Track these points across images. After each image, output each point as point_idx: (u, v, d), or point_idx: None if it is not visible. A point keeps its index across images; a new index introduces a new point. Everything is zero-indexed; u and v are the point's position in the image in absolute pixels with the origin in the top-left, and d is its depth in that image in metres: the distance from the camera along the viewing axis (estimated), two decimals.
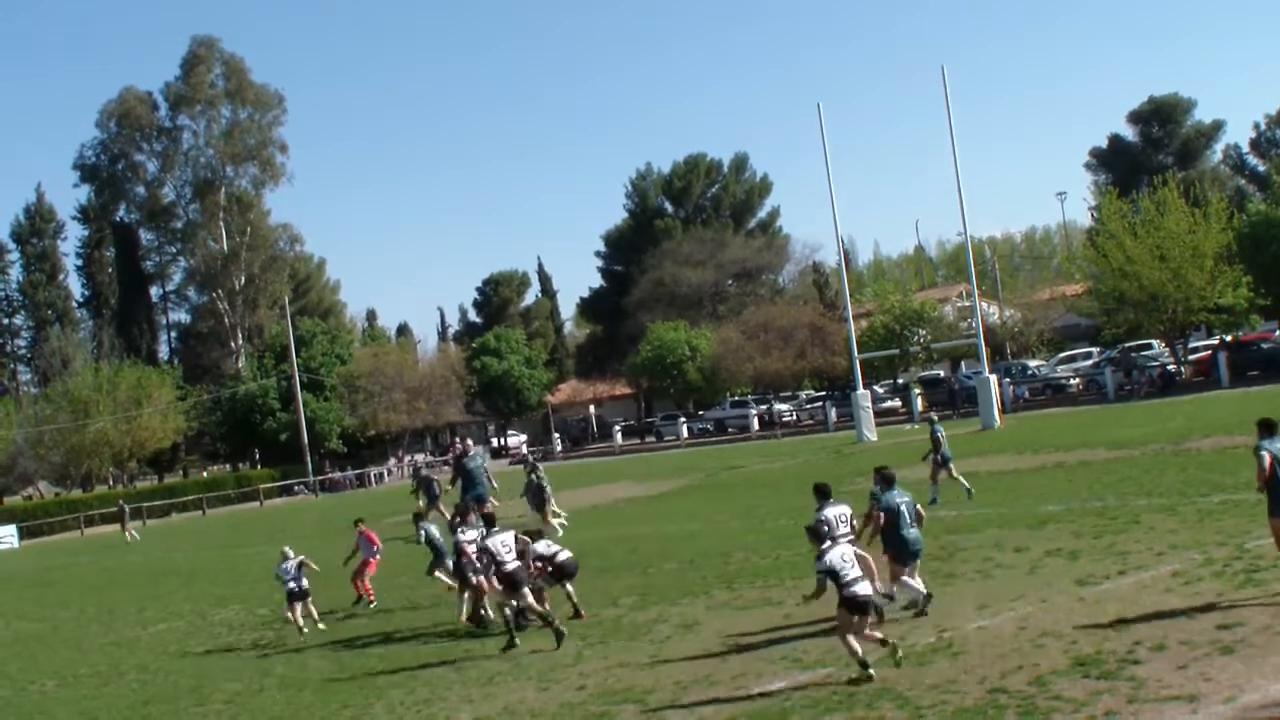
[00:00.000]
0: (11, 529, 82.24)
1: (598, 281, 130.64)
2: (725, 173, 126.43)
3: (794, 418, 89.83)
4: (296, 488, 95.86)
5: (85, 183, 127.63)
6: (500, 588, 20.66)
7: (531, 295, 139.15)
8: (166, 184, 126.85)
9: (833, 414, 79.88)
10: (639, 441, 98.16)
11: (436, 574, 26.09)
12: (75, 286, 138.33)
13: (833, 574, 15.30)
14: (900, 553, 18.56)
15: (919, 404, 73.45)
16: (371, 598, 27.51)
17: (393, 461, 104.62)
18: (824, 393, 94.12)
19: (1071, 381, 77.23)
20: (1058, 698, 13.23)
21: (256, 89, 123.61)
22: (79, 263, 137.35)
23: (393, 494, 70.00)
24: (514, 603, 20.51)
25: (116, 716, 19.95)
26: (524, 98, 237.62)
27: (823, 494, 18.77)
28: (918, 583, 18.57)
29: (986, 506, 29.44)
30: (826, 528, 16.73)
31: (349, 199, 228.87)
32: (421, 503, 39.74)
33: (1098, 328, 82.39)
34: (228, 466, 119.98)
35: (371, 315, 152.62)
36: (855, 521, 18.67)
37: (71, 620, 33.40)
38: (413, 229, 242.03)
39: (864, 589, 15.29)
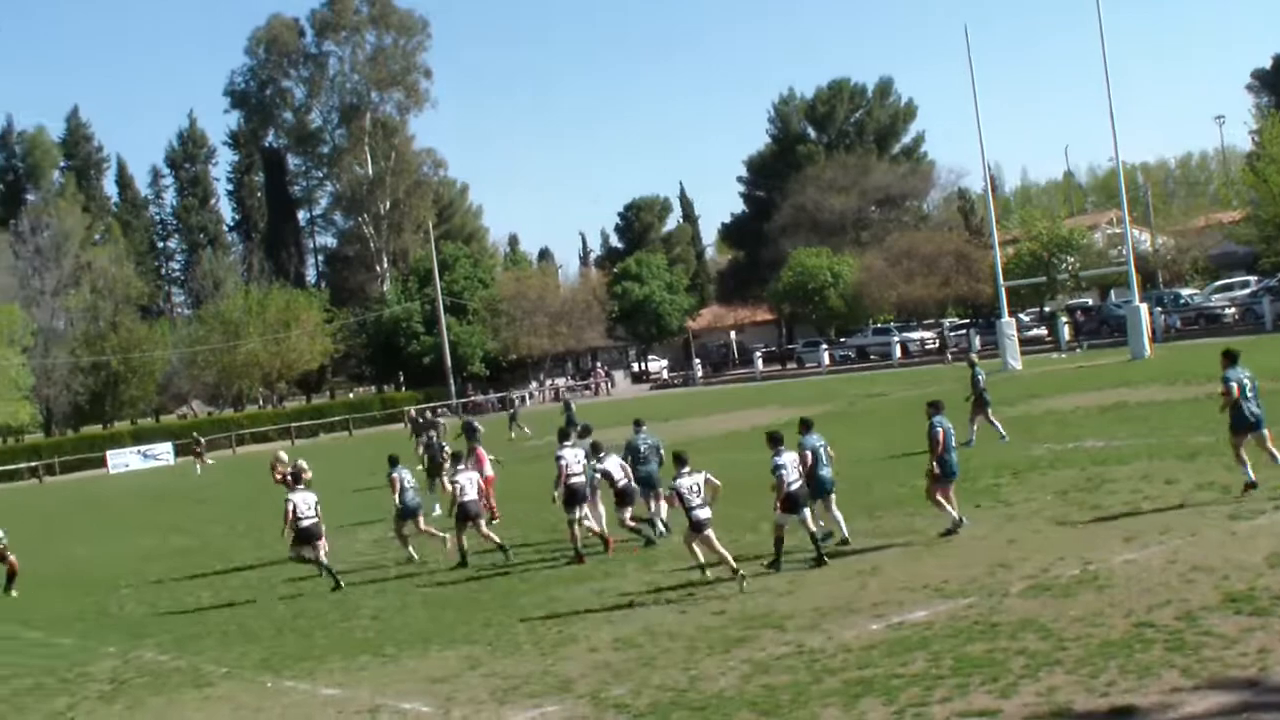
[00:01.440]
0: (167, 446, 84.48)
1: (739, 207, 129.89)
2: (869, 97, 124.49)
3: (935, 345, 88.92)
4: (439, 410, 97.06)
5: (235, 109, 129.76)
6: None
7: (673, 220, 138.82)
8: (313, 110, 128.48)
9: (976, 342, 78.79)
10: (780, 368, 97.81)
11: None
12: (226, 211, 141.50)
13: (681, 498, 18.76)
14: (817, 490, 20.62)
15: (1066, 333, 72.22)
16: (496, 514, 28.14)
17: (534, 385, 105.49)
18: (967, 320, 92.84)
19: (1227, 311, 75.16)
20: (1208, 633, 12.96)
21: (401, 14, 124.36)
22: (229, 187, 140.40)
23: (533, 417, 70.56)
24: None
25: (268, 628, 20.48)
26: (666, 21, 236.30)
27: (775, 441, 19.88)
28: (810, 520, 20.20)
29: (1135, 438, 28.88)
30: (783, 472, 19.19)
31: (492, 124, 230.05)
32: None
33: (1256, 255, 80.00)
34: (373, 388, 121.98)
35: (514, 240, 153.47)
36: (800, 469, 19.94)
37: (222, 536, 34.28)
38: (555, 154, 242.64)
39: (703, 514, 18.70)
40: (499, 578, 22.19)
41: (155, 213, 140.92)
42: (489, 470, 29.10)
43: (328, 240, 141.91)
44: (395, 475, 24.81)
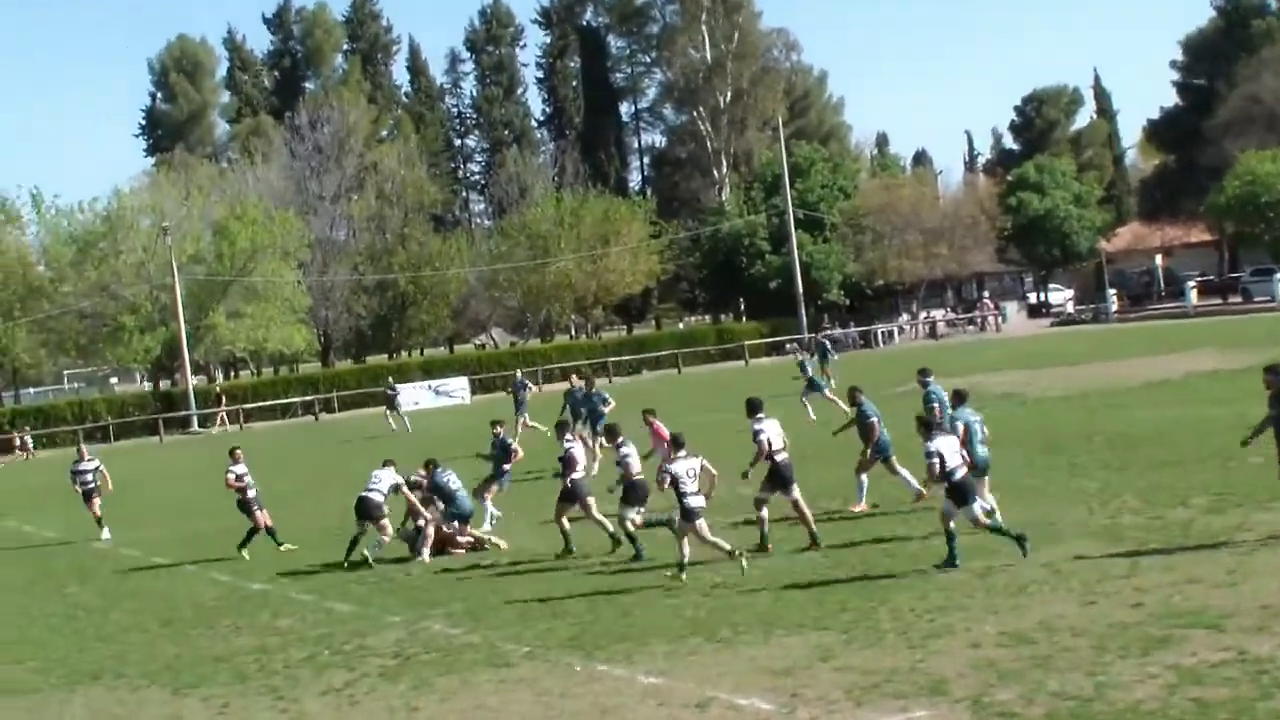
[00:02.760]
0: (463, 381, 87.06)
1: (1170, 99, 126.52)
2: None
3: None
4: (788, 345, 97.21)
5: None
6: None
7: (1084, 116, 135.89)
8: None
9: None
10: (1220, 302, 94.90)
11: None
12: (535, 102, 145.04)
13: (675, 482, 21.06)
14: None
15: None
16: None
17: (905, 317, 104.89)
18: None
19: None
20: None
21: None
22: (540, 75, 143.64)
23: (905, 356, 70.07)
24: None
25: (578, 600, 20.92)
26: None
27: (927, 426, 20.86)
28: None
29: None
30: (939, 459, 19.88)
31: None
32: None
33: None
34: (707, 318, 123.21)
35: (882, 140, 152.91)
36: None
37: (528, 486, 35.12)
38: (934, 36, 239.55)
39: (696, 502, 21.13)
40: (856, 549, 22.18)
41: (452, 105, 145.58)
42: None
43: (655, 139, 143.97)
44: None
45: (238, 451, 30.44)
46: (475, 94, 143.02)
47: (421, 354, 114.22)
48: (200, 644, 21.07)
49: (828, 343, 61.80)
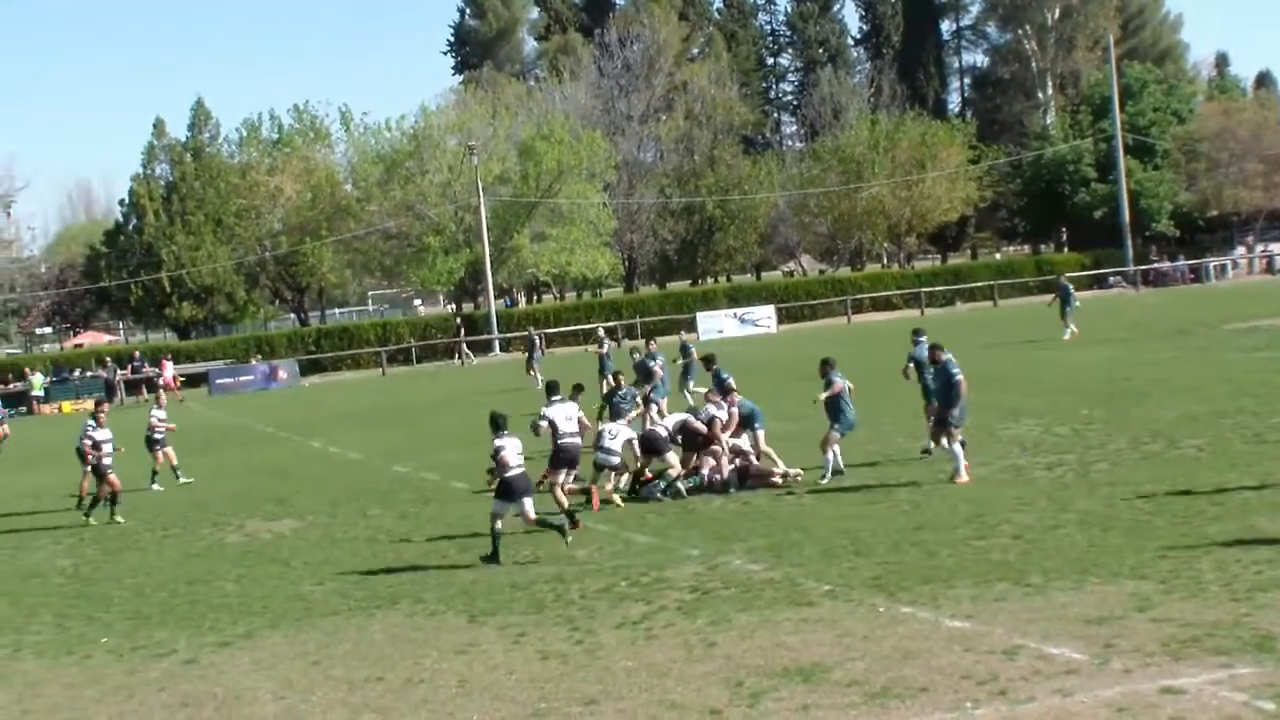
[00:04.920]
0: (769, 310, 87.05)
1: None
2: None
3: None
4: (1111, 279, 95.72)
5: None
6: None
7: None
8: None
9: None
10: None
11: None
12: (851, 20, 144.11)
13: (553, 427, 25.07)
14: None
15: None
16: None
17: (1240, 251, 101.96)
18: None
19: None
20: None
21: None
22: None
23: (1238, 292, 68.16)
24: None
25: (882, 540, 20.89)
26: None
27: (496, 424, 22.36)
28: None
29: None
30: (503, 454, 21.84)
31: None
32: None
33: None
34: (1025, 248, 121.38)
35: (1222, 61, 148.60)
36: None
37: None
38: None
39: (572, 444, 25.05)
40: (1177, 497, 21.72)
41: (765, 22, 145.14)
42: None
43: (977, 58, 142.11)
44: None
45: (101, 415, 30.73)
46: (789, 10, 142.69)
47: (728, 280, 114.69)
48: (499, 571, 21.53)
49: (1070, 287, 60.01)
